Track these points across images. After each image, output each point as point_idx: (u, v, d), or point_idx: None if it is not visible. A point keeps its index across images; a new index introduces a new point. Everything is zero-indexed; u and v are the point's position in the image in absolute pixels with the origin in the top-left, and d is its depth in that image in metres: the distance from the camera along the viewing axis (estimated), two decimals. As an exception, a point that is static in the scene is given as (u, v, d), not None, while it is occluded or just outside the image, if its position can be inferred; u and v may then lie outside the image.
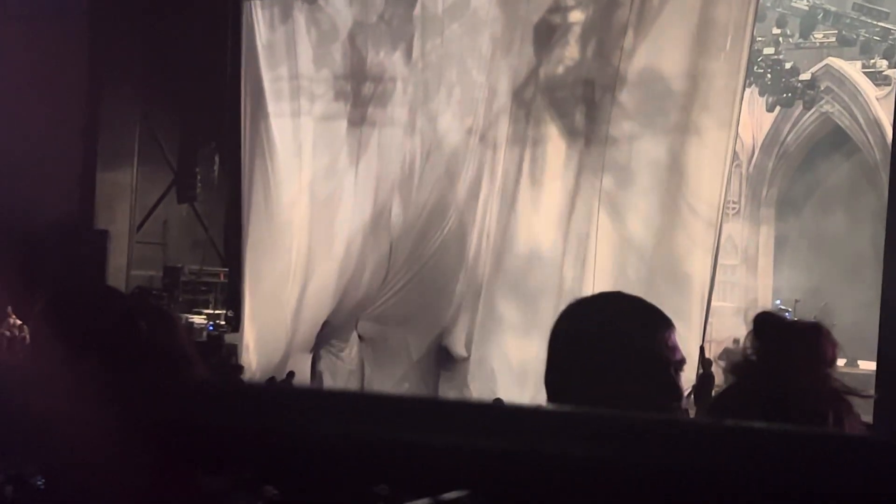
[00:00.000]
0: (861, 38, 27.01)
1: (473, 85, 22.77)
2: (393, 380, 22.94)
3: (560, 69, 21.69)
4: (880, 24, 26.78)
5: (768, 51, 27.66)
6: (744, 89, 20.11)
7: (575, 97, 21.45)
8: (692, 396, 16.92)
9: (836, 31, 27.15)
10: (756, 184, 30.47)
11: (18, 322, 21.13)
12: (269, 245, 24.98)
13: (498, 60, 22.37)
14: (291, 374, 22.48)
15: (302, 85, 24.83)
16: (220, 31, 25.55)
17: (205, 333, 25.47)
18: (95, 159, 27.10)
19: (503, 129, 22.25)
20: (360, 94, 24.14)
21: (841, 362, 2.73)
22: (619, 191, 20.82)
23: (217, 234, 28.90)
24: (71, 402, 1.20)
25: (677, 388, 2.42)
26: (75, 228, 26.47)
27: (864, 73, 28.70)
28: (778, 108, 29.07)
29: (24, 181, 25.35)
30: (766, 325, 2.64)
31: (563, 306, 2.52)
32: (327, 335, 23.88)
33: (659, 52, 20.47)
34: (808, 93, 28.45)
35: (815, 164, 30.18)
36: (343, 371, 23.70)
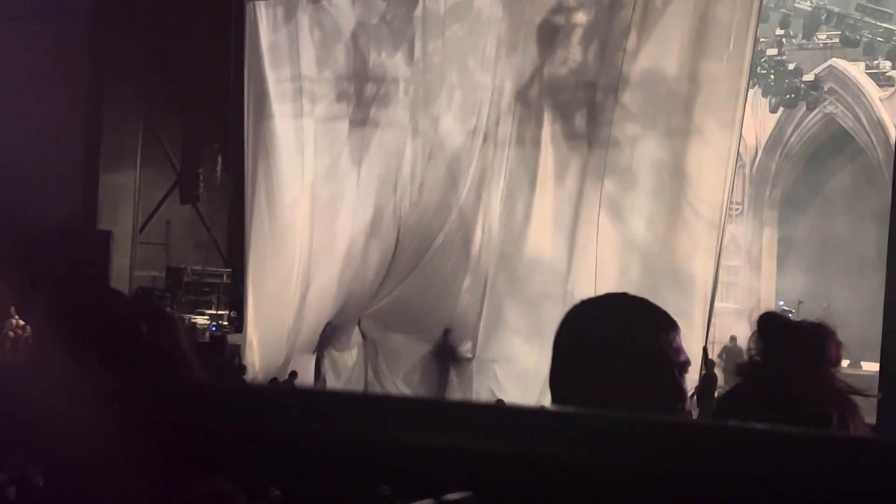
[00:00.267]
0: (864, 39, 27.01)
1: (476, 86, 22.77)
2: (396, 380, 22.95)
3: (563, 70, 21.69)
4: (884, 25, 26.78)
5: (771, 52, 27.65)
6: (747, 90, 20.10)
7: (578, 99, 21.46)
8: (695, 397, 16.92)
9: (839, 32, 27.14)
10: (759, 185, 30.46)
11: (21, 322, 21.14)
12: (272, 246, 24.98)
13: (502, 61, 22.37)
14: (294, 375, 22.49)
15: (304, 86, 24.83)
16: (222, 32, 25.55)
17: (208, 334, 25.50)
18: (98, 160, 27.14)
19: (507, 129, 22.25)
20: (362, 95, 24.15)
21: (844, 363, 2.73)
22: (621, 192, 20.82)
23: (220, 235, 28.93)
24: (72, 403, 1.20)
25: (681, 390, 2.41)
26: (78, 229, 26.49)
27: (868, 73, 28.69)
28: (781, 109, 29.07)
29: (28, 182, 25.38)
30: (771, 325, 2.64)
31: (566, 308, 2.52)
32: (330, 336, 23.89)
33: (662, 54, 20.46)
34: (812, 94, 28.44)
35: (818, 165, 30.17)
36: (346, 371, 23.71)
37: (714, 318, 20.47)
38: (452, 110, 23.09)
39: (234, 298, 26.72)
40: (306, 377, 23.12)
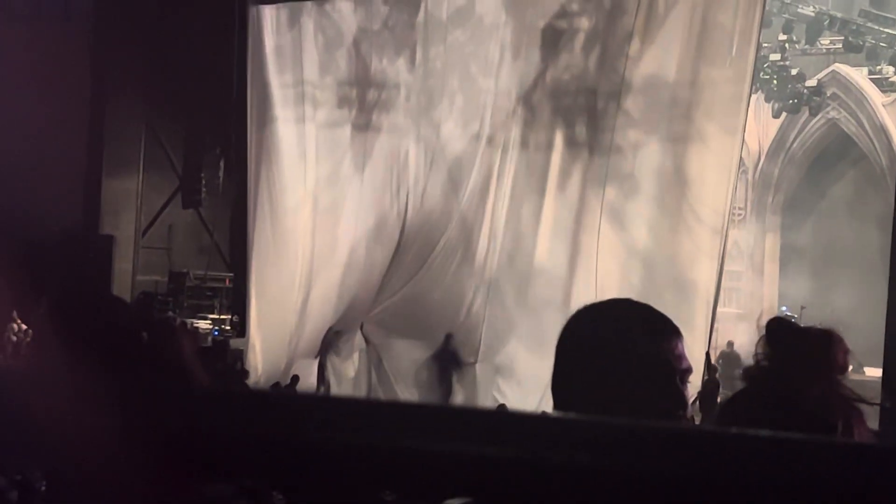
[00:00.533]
0: (867, 45, 27.01)
1: (479, 91, 22.77)
2: (399, 385, 22.94)
3: (566, 75, 21.69)
4: (887, 30, 26.77)
5: (774, 57, 27.65)
6: (750, 95, 20.09)
7: (580, 104, 21.46)
8: (697, 403, 16.92)
9: (842, 38, 27.14)
10: (762, 190, 30.45)
11: (23, 326, 21.14)
12: (275, 250, 24.99)
13: (505, 66, 22.37)
14: (296, 379, 22.48)
15: (307, 91, 24.85)
16: (225, 36, 25.57)
17: (210, 338, 25.48)
18: (100, 164, 27.14)
19: (509, 135, 22.25)
20: (364, 100, 24.17)
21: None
22: (624, 198, 20.81)
23: (222, 240, 28.92)
24: (73, 407, 1.20)
25: (682, 397, 2.41)
26: (80, 233, 26.49)
27: (871, 79, 28.68)
28: (784, 114, 29.07)
29: (30, 186, 25.38)
30: (778, 330, 2.63)
31: (567, 313, 2.52)
32: (332, 341, 23.88)
33: (664, 59, 20.45)
34: (815, 99, 28.43)
35: (821, 171, 30.16)
36: (348, 377, 23.70)
37: (716, 324, 20.46)
38: (454, 116, 23.10)
39: (237, 303, 26.70)
40: (309, 382, 23.11)
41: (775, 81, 27.93)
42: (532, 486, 0.89)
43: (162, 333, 2.71)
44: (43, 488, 2.54)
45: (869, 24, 26.69)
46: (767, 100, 28.50)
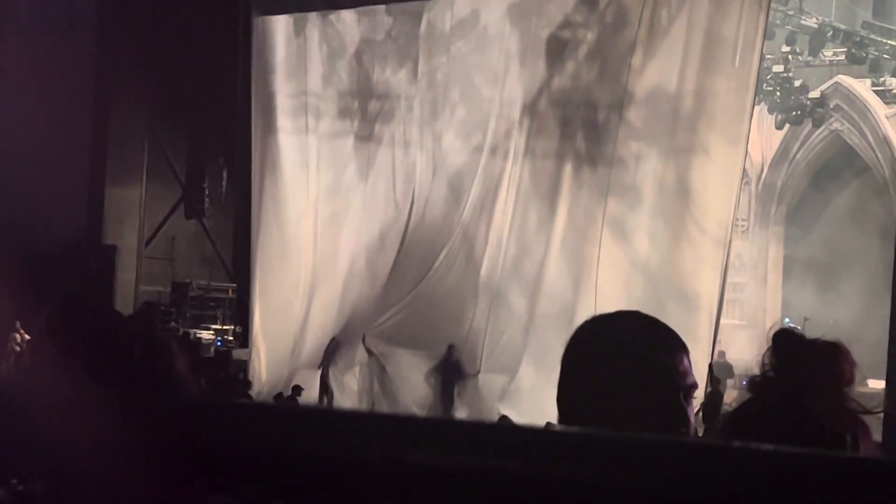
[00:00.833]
0: (871, 56, 27.03)
1: (482, 102, 22.79)
2: (401, 396, 22.92)
3: (569, 86, 21.71)
4: (890, 42, 26.80)
5: (777, 68, 27.68)
6: (753, 107, 20.10)
7: (582, 116, 21.47)
8: (700, 414, 16.89)
9: (845, 49, 27.17)
10: (765, 201, 30.46)
11: (26, 336, 21.15)
12: (278, 261, 25.03)
13: (509, 77, 22.39)
14: (298, 390, 22.48)
15: (310, 101, 24.91)
16: (229, 47, 25.63)
17: (213, 349, 25.50)
18: (104, 174, 27.19)
19: (511, 146, 22.25)
20: (367, 111, 24.22)
21: (850, 380, 2.71)
22: (626, 209, 20.81)
23: (225, 250, 28.96)
24: (74, 419, 1.20)
25: (685, 415, 2.40)
26: (84, 243, 26.52)
27: (874, 90, 28.70)
28: (787, 125, 29.09)
29: (34, 196, 25.42)
30: (785, 341, 2.63)
31: (568, 325, 2.52)
32: (335, 352, 23.88)
33: (667, 71, 20.46)
34: (818, 111, 28.45)
35: (824, 182, 30.17)
36: (351, 387, 23.69)
37: (719, 335, 20.45)
38: (457, 127, 23.12)
39: (240, 313, 26.73)
40: (311, 393, 23.11)
41: (778, 93, 27.95)
42: (535, 500, 0.89)
43: (154, 349, 2.71)
44: (42, 500, 2.54)
45: (872, 36, 26.71)
46: (771, 111, 28.52)
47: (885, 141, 28.33)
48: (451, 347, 22.38)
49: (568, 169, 21.61)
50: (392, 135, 23.91)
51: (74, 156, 26.74)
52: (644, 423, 2.27)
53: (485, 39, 22.82)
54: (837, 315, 25.69)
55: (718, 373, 22.85)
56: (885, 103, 28.59)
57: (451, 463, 0.92)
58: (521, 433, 0.93)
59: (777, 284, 30.31)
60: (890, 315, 18.53)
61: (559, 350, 2.48)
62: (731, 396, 21.63)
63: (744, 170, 20.94)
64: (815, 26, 26.38)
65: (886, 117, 28.44)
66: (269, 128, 25.23)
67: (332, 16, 24.71)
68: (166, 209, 28.50)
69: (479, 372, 22.16)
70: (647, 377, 2.36)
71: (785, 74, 27.80)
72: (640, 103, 20.72)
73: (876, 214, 28.50)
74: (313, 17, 24.93)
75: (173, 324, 25.01)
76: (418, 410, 22.30)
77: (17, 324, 21.15)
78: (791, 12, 26.02)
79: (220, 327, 26.50)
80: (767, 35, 20.91)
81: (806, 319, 25.77)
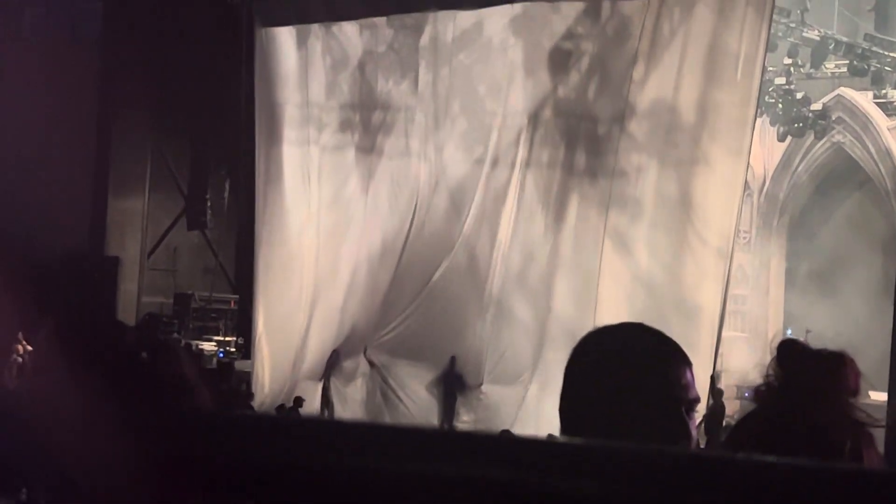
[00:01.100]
0: (873, 69, 27.03)
1: (484, 113, 22.80)
2: (403, 408, 22.90)
3: (570, 98, 21.72)
4: (892, 54, 26.80)
5: (780, 81, 27.67)
6: (755, 119, 20.10)
7: (584, 127, 21.47)
8: (703, 426, 16.88)
9: (847, 62, 27.17)
10: (767, 213, 30.44)
11: (29, 347, 21.14)
12: (280, 273, 25.04)
13: (512, 88, 22.39)
14: (299, 401, 22.46)
15: (313, 113, 24.93)
16: (232, 59, 25.66)
17: (215, 360, 25.49)
18: (107, 186, 27.21)
19: (513, 158, 22.25)
20: (369, 123, 24.23)
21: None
22: (628, 221, 20.80)
23: (227, 261, 28.97)
24: (77, 430, 1.20)
25: (687, 429, 2.40)
26: (86, 255, 26.54)
27: (876, 103, 28.69)
28: (789, 137, 29.07)
29: (37, 207, 25.43)
30: (790, 352, 2.62)
31: (569, 336, 2.52)
32: (337, 363, 23.87)
33: (669, 83, 20.47)
34: (820, 123, 28.44)
35: (826, 194, 30.15)
36: (353, 399, 23.67)
37: (721, 347, 20.42)
38: (459, 139, 23.12)
39: (242, 325, 26.73)
40: (313, 404, 23.09)
41: (780, 105, 27.94)
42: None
43: (163, 354, 2.71)
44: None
45: (874, 49, 26.71)
46: (773, 123, 28.50)
47: (887, 153, 28.32)
48: (453, 359, 22.36)
49: (570, 181, 21.61)
50: (394, 147, 23.92)
51: (77, 167, 26.77)
52: (647, 436, 2.27)
53: (486, 52, 22.83)
54: (840, 327, 25.65)
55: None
56: (887, 115, 28.57)
57: (454, 474, 0.92)
58: (523, 445, 0.93)
59: (779, 296, 30.27)
60: (892, 327, 18.51)
61: (561, 362, 2.48)
62: (733, 408, 21.60)
63: (746, 182, 20.93)
64: (818, 38, 26.38)
65: (888, 129, 28.42)
66: (272, 139, 25.26)
67: (335, 27, 24.74)
68: (169, 220, 28.51)
69: (481, 384, 22.14)
70: (651, 390, 2.36)
71: (787, 86, 27.79)
72: (641, 115, 20.73)
73: (878, 226, 28.49)
74: (316, 28, 24.96)
75: (175, 335, 25.00)
76: (420, 422, 22.28)
77: (20, 335, 21.14)
78: (793, 24, 26.02)
79: (222, 339, 26.50)
80: (769, 47, 20.90)
81: (808, 331, 25.71)
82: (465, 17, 22.93)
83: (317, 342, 24.20)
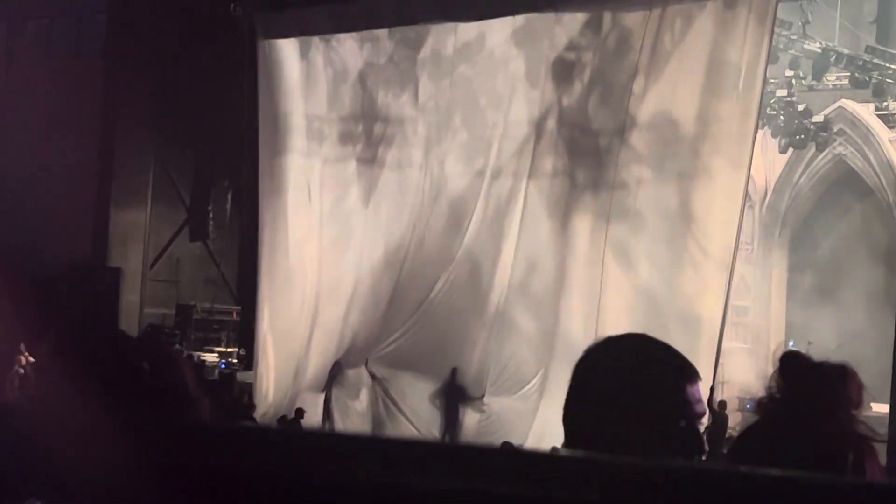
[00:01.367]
0: (874, 81, 27.01)
1: (485, 125, 22.80)
2: (405, 420, 22.87)
3: (571, 111, 21.72)
4: (893, 66, 26.78)
5: (781, 93, 27.66)
6: (756, 131, 20.10)
7: (585, 140, 21.47)
8: (704, 437, 16.83)
9: (848, 74, 27.15)
10: (769, 225, 30.41)
11: (31, 359, 21.13)
12: (282, 284, 25.02)
13: (512, 101, 22.40)
14: (300, 413, 22.45)
15: (315, 125, 24.95)
16: (234, 71, 25.68)
17: (217, 371, 25.48)
18: (109, 198, 27.23)
19: (514, 170, 22.25)
20: (370, 135, 24.24)
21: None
22: (629, 233, 20.78)
23: (229, 272, 28.97)
24: (79, 441, 1.20)
25: (699, 441, 2.39)
26: (89, 266, 26.54)
27: (877, 115, 28.67)
28: (791, 149, 29.05)
29: (40, 219, 25.45)
30: (792, 364, 2.62)
31: (570, 347, 2.52)
32: (338, 375, 23.84)
33: (671, 95, 20.47)
34: (821, 135, 28.42)
35: (827, 206, 30.13)
36: (354, 411, 23.64)
37: (721, 359, 20.39)
38: (460, 151, 23.12)
39: (244, 336, 26.72)
40: (315, 416, 23.07)
41: (782, 117, 27.92)
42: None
43: (164, 363, 2.71)
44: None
45: (875, 61, 26.69)
46: (774, 135, 28.48)
47: (889, 165, 28.31)
48: (454, 371, 22.34)
49: (571, 193, 21.60)
50: (394, 159, 23.93)
51: (80, 178, 26.79)
52: (653, 449, 2.27)
53: (488, 64, 22.85)
54: (841, 339, 25.63)
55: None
56: (889, 127, 28.56)
57: (457, 487, 0.92)
58: (526, 458, 0.93)
59: (781, 308, 30.23)
60: (894, 338, 18.50)
61: (564, 373, 2.48)
62: (735, 420, 21.57)
63: (747, 193, 20.91)
64: (819, 51, 26.37)
65: (890, 141, 28.41)
66: (275, 150, 25.26)
67: (337, 40, 24.77)
68: (171, 232, 28.53)
69: (483, 395, 22.11)
70: (658, 403, 2.36)
71: (788, 98, 27.77)
72: (642, 128, 20.73)
73: (879, 238, 28.45)
74: (318, 41, 24.99)
75: (177, 346, 25.00)
76: (423, 434, 22.26)
77: (23, 346, 21.15)
78: (795, 37, 26.01)
79: (224, 350, 26.49)
80: (771, 59, 20.90)
81: (810, 343, 25.70)
82: (467, 30, 22.95)
83: (319, 353, 24.18)
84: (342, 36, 24.70)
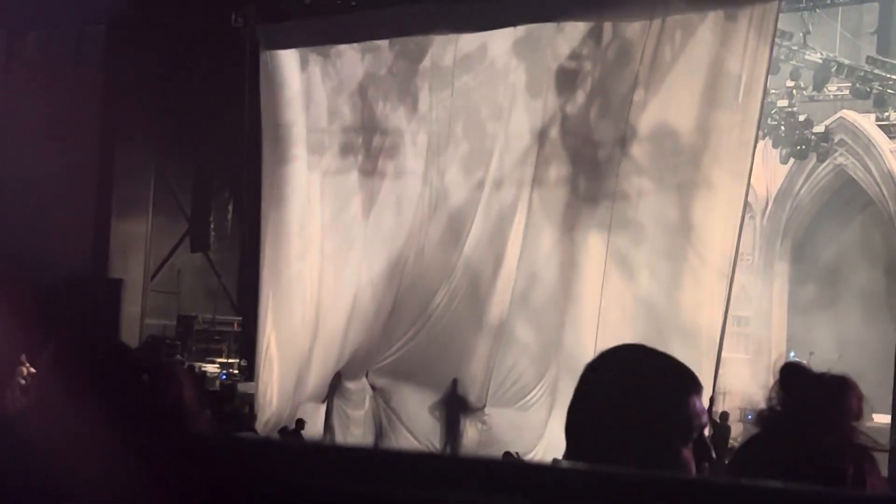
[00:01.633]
0: (875, 91, 27.02)
1: (485, 136, 22.82)
2: (406, 431, 22.85)
3: (572, 121, 21.74)
4: (894, 77, 26.80)
5: (782, 103, 27.67)
6: (756, 141, 20.10)
7: (585, 151, 21.48)
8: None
9: (849, 84, 27.16)
10: (770, 236, 30.41)
11: (32, 370, 21.12)
12: (284, 295, 25.03)
13: (513, 111, 22.42)
14: (301, 423, 22.44)
15: (316, 136, 24.98)
16: (235, 81, 25.70)
17: (218, 382, 25.48)
18: (110, 208, 27.24)
19: (516, 179, 22.25)
20: (371, 146, 24.26)
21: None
22: (629, 243, 20.79)
23: (231, 283, 28.98)
24: (79, 451, 1.20)
25: (707, 451, 2.40)
26: (90, 277, 26.54)
27: (878, 125, 28.69)
28: (792, 160, 29.06)
29: (40, 230, 25.45)
30: (793, 376, 2.62)
31: (573, 358, 2.52)
32: (339, 387, 23.83)
33: (671, 105, 20.48)
34: (822, 145, 28.43)
35: (829, 217, 30.13)
36: (356, 422, 23.63)
37: (722, 369, 20.39)
38: (461, 162, 23.14)
39: (245, 347, 26.71)
40: (316, 427, 23.05)
41: (783, 127, 27.93)
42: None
43: (163, 376, 2.71)
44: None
45: (876, 71, 26.70)
46: (775, 146, 28.49)
47: (890, 175, 28.31)
48: (454, 382, 22.33)
49: (571, 203, 21.61)
50: (395, 170, 23.94)
51: (80, 189, 26.80)
52: (651, 459, 2.26)
53: (489, 74, 22.87)
54: (842, 349, 25.61)
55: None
56: (890, 138, 28.57)
57: (458, 499, 0.92)
58: (528, 470, 0.93)
59: (782, 318, 30.22)
60: (895, 349, 18.50)
61: (565, 383, 2.48)
62: (736, 430, 21.56)
63: (747, 203, 20.91)
64: (820, 61, 26.38)
65: (891, 152, 28.42)
66: (276, 162, 25.27)
67: (338, 51, 24.80)
68: (172, 243, 28.53)
69: (485, 406, 22.10)
70: (658, 413, 2.35)
71: (789, 109, 27.78)
72: (643, 138, 20.74)
73: (880, 248, 28.46)
74: (319, 52, 25.02)
75: (178, 357, 25.00)
76: (424, 445, 22.24)
77: (24, 357, 21.14)
78: (795, 47, 26.02)
79: (225, 360, 26.49)
80: (772, 70, 20.91)
81: (811, 353, 25.69)
82: (468, 41, 22.97)
83: (320, 364, 24.17)
84: (343, 47, 24.73)
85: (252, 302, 26.00)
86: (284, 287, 25.03)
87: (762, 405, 2.67)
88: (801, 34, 25.84)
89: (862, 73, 26.69)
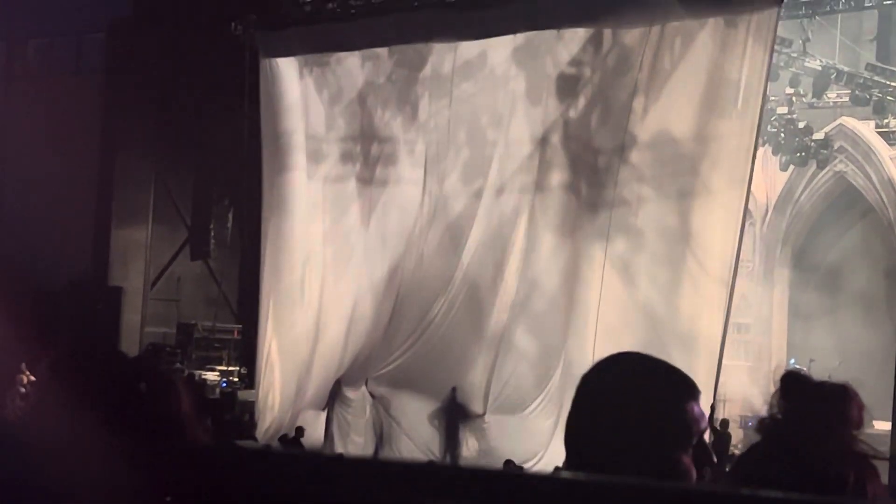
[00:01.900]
0: (874, 98, 27.03)
1: (485, 143, 22.82)
2: (406, 439, 22.83)
3: (572, 128, 21.75)
4: (894, 83, 26.81)
5: (782, 110, 27.67)
6: (756, 148, 20.10)
7: (585, 158, 21.48)
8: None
9: (849, 91, 27.18)
10: (770, 243, 30.40)
11: (32, 378, 21.11)
12: (284, 303, 25.02)
13: (512, 119, 22.43)
14: (300, 431, 22.43)
15: (315, 144, 24.99)
16: (235, 90, 25.72)
17: (218, 390, 25.46)
18: (110, 216, 27.25)
19: (516, 186, 22.26)
20: (370, 154, 24.27)
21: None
22: (629, 250, 20.79)
23: (230, 291, 28.97)
24: (79, 460, 1.20)
25: (709, 457, 2.40)
26: (90, 285, 26.55)
27: (878, 132, 28.69)
28: (791, 167, 29.05)
29: (40, 238, 25.46)
30: (793, 384, 2.62)
31: (572, 365, 2.52)
32: (339, 395, 23.81)
33: (671, 112, 20.49)
34: (822, 152, 28.42)
35: (828, 223, 30.13)
36: (356, 430, 23.61)
37: (723, 377, 20.37)
38: (460, 170, 23.14)
39: (245, 355, 26.70)
40: (316, 435, 23.03)
41: (783, 134, 27.93)
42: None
43: (160, 386, 2.71)
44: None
45: (875, 78, 26.71)
46: (775, 153, 28.49)
47: (890, 182, 28.31)
48: (454, 390, 22.31)
49: (571, 210, 21.61)
50: (395, 177, 23.95)
51: (81, 197, 26.82)
52: (654, 467, 2.26)
53: (488, 82, 22.88)
54: (843, 356, 25.60)
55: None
56: (889, 145, 28.58)
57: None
58: (529, 479, 0.93)
59: (782, 325, 30.21)
60: (895, 356, 18.48)
61: (565, 390, 2.48)
62: (737, 437, 21.54)
63: (747, 210, 20.91)
64: (819, 68, 26.38)
65: (890, 159, 28.42)
66: (276, 169, 25.28)
67: (338, 58, 24.81)
68: (172, 251, 28.54)
69: (485, 413, 22.08)
70: (657, 420, 2.35)
71: (789, 116, 27.78)
72: (642, 145, 20.75)
73: (880, 255, 28.45)
74: (319, 59, 25.04)
75: (178, 365, 24.99)
76: (423, 453, 22.22)
77: (24, 365, 21.14)
78: (795, 54, 26.03)
79: (225, 368, 26.47)
80: (771, 77, 20.92)
81: (812, 361, 25.67)
82: (468, 48, 22.98)
83: (320, 372, 24.16)
84: (343, 55, 24.74)
85: (252, 310, 25.99)
86: (284, 295, 25.02)
87: (763, 412, 2.67)
88: (800, 41, 25.85)
89: (861, 80, 26.70)
